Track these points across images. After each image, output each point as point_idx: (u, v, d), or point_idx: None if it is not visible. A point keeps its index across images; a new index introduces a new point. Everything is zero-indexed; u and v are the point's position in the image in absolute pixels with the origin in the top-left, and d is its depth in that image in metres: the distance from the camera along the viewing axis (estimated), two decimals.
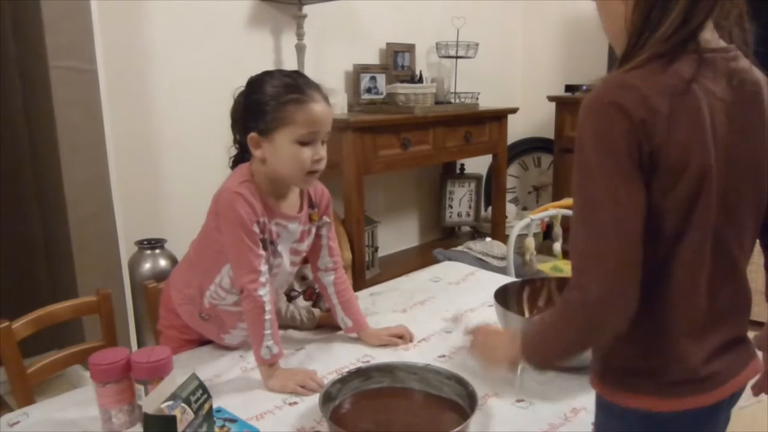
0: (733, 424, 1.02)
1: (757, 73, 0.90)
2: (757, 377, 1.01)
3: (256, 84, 1.40)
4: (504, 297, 1.51)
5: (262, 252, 1.39)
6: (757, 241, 1.00)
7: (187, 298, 1.53)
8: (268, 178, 1.42)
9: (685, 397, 0.89)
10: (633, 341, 0.89)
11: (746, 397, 1.02)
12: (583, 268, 0.85)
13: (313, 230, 1.55)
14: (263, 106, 1.36)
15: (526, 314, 1.57)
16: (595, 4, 0.97)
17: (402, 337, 1.55)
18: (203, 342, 1.58)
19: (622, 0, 0.88)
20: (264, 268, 1.39)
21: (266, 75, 1.41)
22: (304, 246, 1.54)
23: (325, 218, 1.58)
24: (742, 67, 0.89)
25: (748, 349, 0.98)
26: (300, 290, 1.76)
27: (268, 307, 1.37)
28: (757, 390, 1.07)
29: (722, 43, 0.89)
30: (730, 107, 0.85)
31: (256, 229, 1.38)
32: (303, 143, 1.36)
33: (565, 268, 3.41)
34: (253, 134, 1.38)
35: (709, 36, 0.87)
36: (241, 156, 1.48)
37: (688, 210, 0.83)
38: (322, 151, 1.40)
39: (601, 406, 0.97)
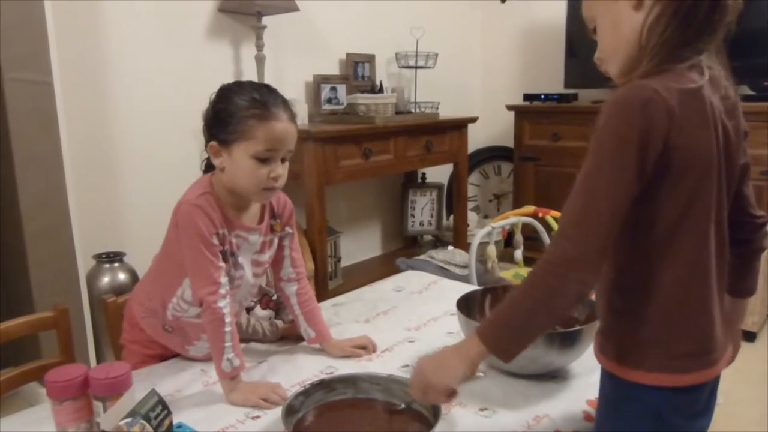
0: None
1: (733, 90, 1.01)
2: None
3: (224, 93, 1.40)
4: (466, 305, 1.52)
5: (222, 264, 1.38)
6: None
7: (149, 311, 1.52)
8: (227, 188, 1.42)
9: (699, 370, 0.96)
10: (647, 318, 0.96)
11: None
12: (568, 232, 0.94)
13: (275, 241, 1.55)
14: (227, 116, 1.36)
15: None
16: (591, 12, 1.04)
17: (365, 347, 1.55)
18: (167, 357, 1.56)
19: (638, 11, 0.95)
20: (224, 279, 1.38)
21: (236, 85, 1.41)
22: (266, 257, 1.53)
23: (288, 229, 1.57)
24: (725, 84, 0.98)
25: (731, 330, 1.08)
26: (255, 299, 1.75)
27: (228, 319, 1.36)
28: None
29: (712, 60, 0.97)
30: (723, 114, 0.96)
31: (216, 241, 1.38)
32: (261, 159, 1.36)
33: (527, 275, 3.46)
34: (213, 143, 1.38)
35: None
36: (211, 164, 1.47)
37: (693, 196, 0.93)
38: (280, 169, 1.39)
39: (615, 388, 1.01)
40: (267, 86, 1.44)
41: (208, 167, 1.49)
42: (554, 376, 1.38)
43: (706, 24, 0.92)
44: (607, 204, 0.90)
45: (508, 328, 0.99)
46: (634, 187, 0.90)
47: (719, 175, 0.95)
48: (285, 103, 1.40)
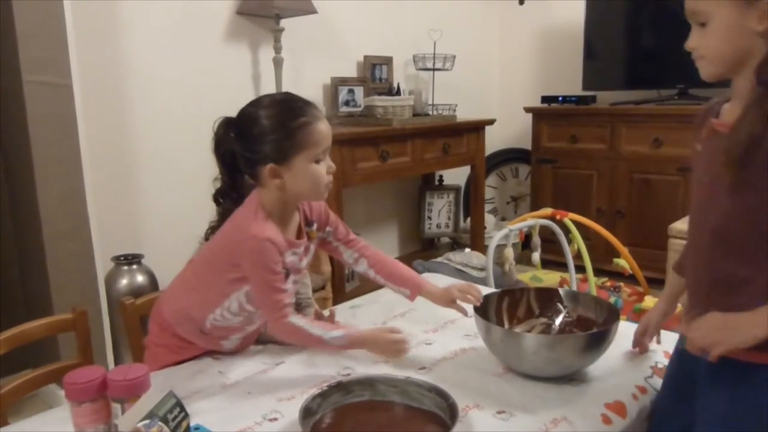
0: None
1: None
2: None
3: (250, 117, 1.41)
4: (484, 308, 1.51)
5: (287, 286, 1.43)
6: None
7: (185, 317, 1.51)
8: (279, 204, 1.44)
9: None
10: None
11: None
12: None
13: (311, 247, 1.56)
14: (271, 135, 1.37)
15: (506, 325, 1.57)
16: (706, 9, 1.06)
17: (471, 295, 1.53)
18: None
19: (762, 37, 1.00)
20: (290, 300, 1.43)
21: (257, 106, 1.42)
22: (304, 263, 1.54)
23: (328, 228, 1.60)
24: None
25: None
26: None
27: (301, 323, 1.41)
28: None
29: None
30: None
31: (280, 267, 1.41)
32: (318, 161, 1.40)
33: (545, 277, 3.43)
34: (270, 165, 1.38)
35: None
36: (231, 188, 1.49)
37: None
38: (331, 162, 1.45)
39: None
40: (286, 93, 1.48)
41: (220, 196, 1.50)
42: (572, 379, 1.37)
43: None
44: None
45: None
46: None
47: None
48: (312, 102, 1.45)
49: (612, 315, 1.43)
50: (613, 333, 1.35)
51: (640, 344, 1.49)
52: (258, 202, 1.43)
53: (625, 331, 1.63)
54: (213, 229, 1.52)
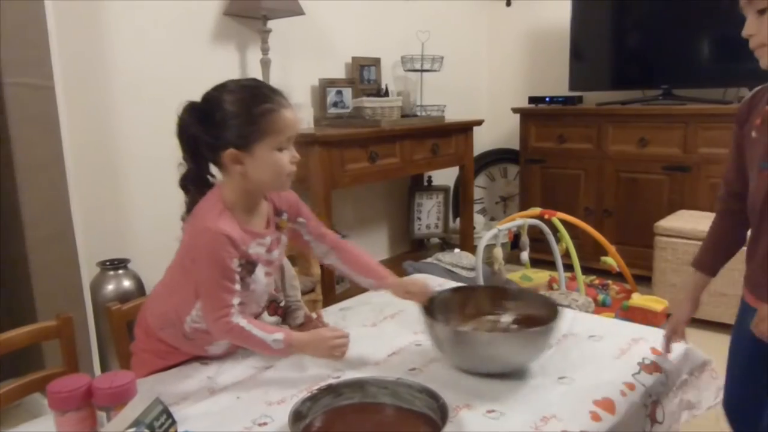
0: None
1: None
2: None
3: (213, 101, 1.38)
4: (431, 306, 1.52)
5: (237, 287, 1.38)
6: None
7: (167, 322, 1.49)
8: (243, 194, 1.41)
9: None
10: None
11: None
12: None
13: (282, 238, 1.54)
14: (233, 120, 1.34)
15: (455, 323, 1.57)
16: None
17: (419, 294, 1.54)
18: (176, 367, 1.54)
19: None
20: (236, 301, 1.38)
21: (221, 90, 1.39)
22: (275, 255, 1.51)
23: (300, 219, 1.58)
24: None
25: None
26: (262, 306, 1.72)
27: (243, 323, 1.37)
28: None
29: None
30: None
31: (235, 264, 1.37)
32: (281, 149, 1.37)
33: (534, 276, 3.43)
34: (231, 150, 1.36)
35: None
36: (196, 174, 1.45)
37: None
38: (295, 151, 1.42)
39: None
40: (253, 79, 1.45)
41: (186, 181, 1.46)
42: (561, 377, 1.37)
43: None
44: None
45: None
46: None
47: None
48: (278, 90, 1.41)
49: (553, 312, 1.45)
50: (553, 330, 1.38)
51: (668, 345, 1.50)
52: (218, 195, 1.41)
53: (614, 329, 1.66)
54: (184, 220, 1.48)
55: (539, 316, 1.48)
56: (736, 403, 1.49)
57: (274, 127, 1.35)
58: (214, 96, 1.38)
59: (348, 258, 1.62)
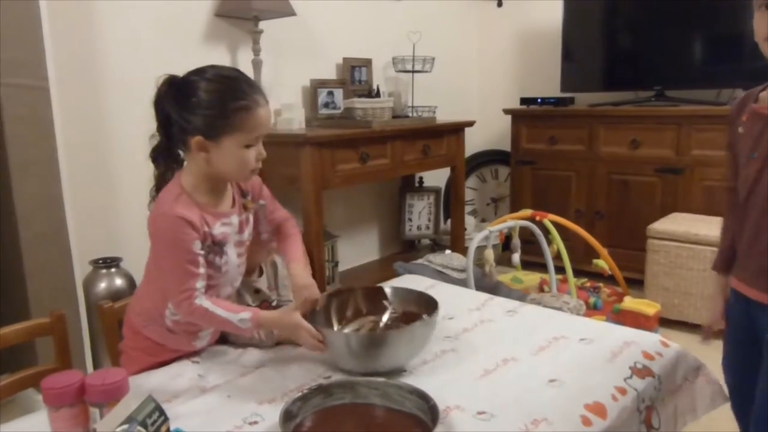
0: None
1: None
2: None
3: (191, 85, 1.38)
4: (313, 310, 1.53)
5: (201, 270, 1.39)
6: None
7: (149, 319, 1.51)
8: (205, 177, 1.43)
9: None
10: None
11: None
12: None
13: (251, 218, 1.56)
14: (207, 110, 1.35)
15: (335, 326, 1.60)
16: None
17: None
18: (167, 363, 1.55)
19: None
20: (200, 284, 1.39)
21: (201, 75, 1.38)
22: (246, 235, 1.54)
23: (261, 201, 1.60)
24: None
25: None
26: (254, 305, 1.74)
27: (207, 304, 1.39)
28: None
29: None
30: None
31: (197, 247, 1.38)
32: (249, 146, 1.39)
33: (525, 278, 3.46)
34: (199, 138, 1.37)
35: None
36: (166, 147, 1.47)
37: None
38: (262, 148, 1.43)
39: None
40: (237, 71, 1.45)
41: (156, 152, 1.48)
42: (552, 380, 1.37)
43: None
44: None
45: None
46: None
47: None
48: (258, 87, 1.42)
49: (432, 307, 1.49)
50: (431, 325, 1.44)
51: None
52: (178, 181, 1.43)
53: (605, 332, 1.65)
54: (153, 198, 1.48)
55: (416, 312, 1.54)
56: (739, 403, 1.56)
57: (246, 124, 1.36)
58: (193, 80, 1.38)
59: (279, 238, 1.65)
